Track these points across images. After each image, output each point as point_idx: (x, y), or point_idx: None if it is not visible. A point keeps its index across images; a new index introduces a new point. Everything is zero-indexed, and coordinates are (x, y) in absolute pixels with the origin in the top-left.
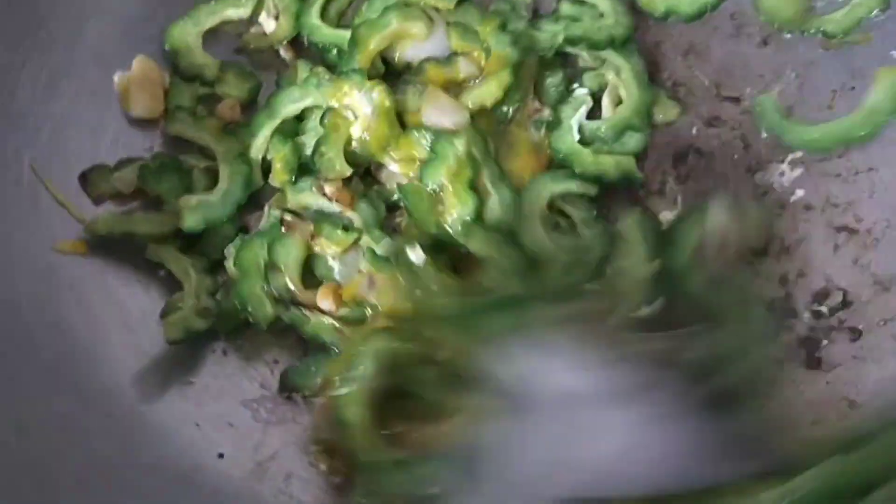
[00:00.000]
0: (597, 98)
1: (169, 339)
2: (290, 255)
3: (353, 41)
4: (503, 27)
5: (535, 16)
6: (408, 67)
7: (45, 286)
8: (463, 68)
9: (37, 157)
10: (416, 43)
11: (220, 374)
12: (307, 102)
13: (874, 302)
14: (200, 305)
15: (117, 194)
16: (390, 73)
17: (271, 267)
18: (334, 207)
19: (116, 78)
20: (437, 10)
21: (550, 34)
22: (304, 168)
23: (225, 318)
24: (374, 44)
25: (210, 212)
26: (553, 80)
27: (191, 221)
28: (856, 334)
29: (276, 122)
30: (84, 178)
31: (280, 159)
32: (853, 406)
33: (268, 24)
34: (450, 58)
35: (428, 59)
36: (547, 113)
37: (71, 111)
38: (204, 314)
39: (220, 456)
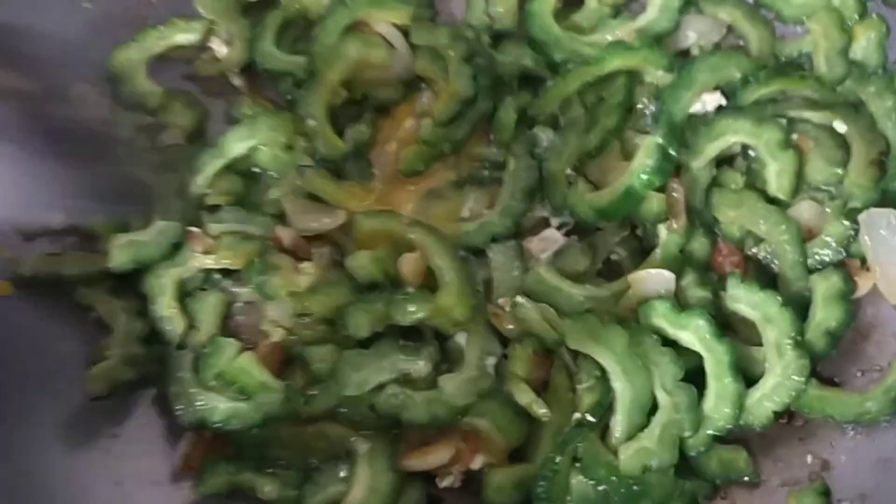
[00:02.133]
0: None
1: (91, 395)
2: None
3: (313, 75)
4: (467, 59)
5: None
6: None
7: None
8: (424, 102)
9: None
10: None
11: (147, 424)
12: (254, 142)
13: None
14: (129, 353)
15: (49, 230)
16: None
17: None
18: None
19: None
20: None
21: (513, 56)
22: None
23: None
24: (333, 75)
25: (141, 251)
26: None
27: (119, 260)
28: None
29: (221, 162)
30: None
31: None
32: None
33: (220, 49)
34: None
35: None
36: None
37: None
38: (132, 362)
39: None
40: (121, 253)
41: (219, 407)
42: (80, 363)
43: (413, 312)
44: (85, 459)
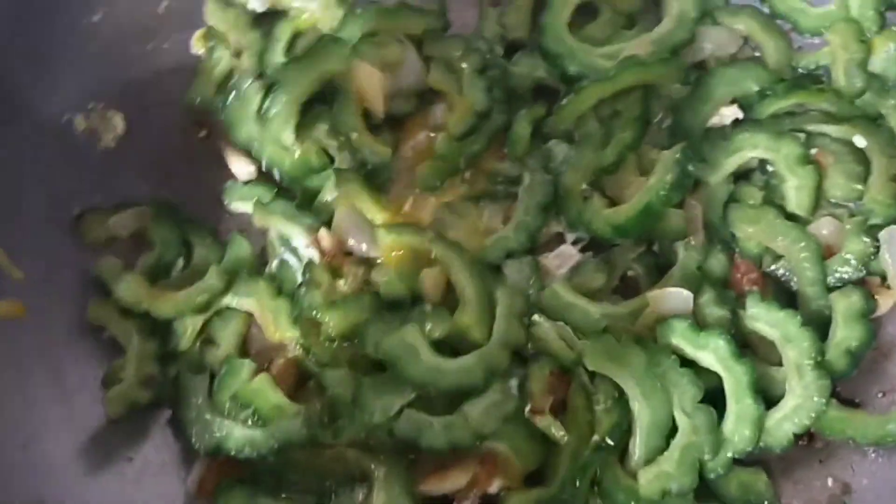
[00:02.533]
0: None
1: (111, 416)
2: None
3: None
4: (481, 71)
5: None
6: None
7: None
8: (437, 115)
9: None
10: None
11: (163, 446)
12: None
13: None
14: (143, 373)
15: (113, 239)
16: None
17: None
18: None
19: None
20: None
21: (527, 68)
22: None
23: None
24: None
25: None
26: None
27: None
28: None
29: None
30: (80, 220)
31: None
32: None
33: None
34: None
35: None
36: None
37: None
38: (148, 383)
39: None
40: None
41: (234, 434)
42: (94, 385)
43: (432, 331)
44: (99, 483)
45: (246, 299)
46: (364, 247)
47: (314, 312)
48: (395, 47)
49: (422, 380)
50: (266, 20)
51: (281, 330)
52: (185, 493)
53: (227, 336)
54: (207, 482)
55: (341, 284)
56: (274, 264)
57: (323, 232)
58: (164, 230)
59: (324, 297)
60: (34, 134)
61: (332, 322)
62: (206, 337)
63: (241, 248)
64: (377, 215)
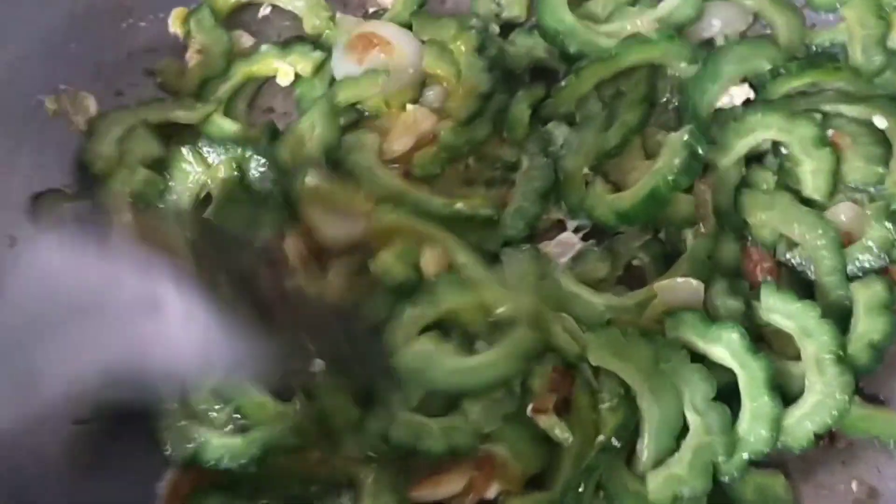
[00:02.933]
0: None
1: (75, 419)
2: None
3: None
4: (480, 50)
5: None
6: None
7: None
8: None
9: None
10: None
11: (132, 453)
12: None
13: None
14: None
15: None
16: None
17: None
18: None
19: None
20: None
21: (525, 48)
22: None
23: None
24: None
25: None
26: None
27: None
28: None
29: None
30: (36, 201)
31: None
32: None
33: None
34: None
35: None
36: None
37: None
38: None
39: None
40: None
41: (212, 442)
42: None
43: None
44: (68, 488)
45: None
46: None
47: None
48: None
49: (452, 385)
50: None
51: None
52: (157, 499)
53: None
54: (181, 488)
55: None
56: None
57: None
58: None
59: None
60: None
61: None
62: None
63: None
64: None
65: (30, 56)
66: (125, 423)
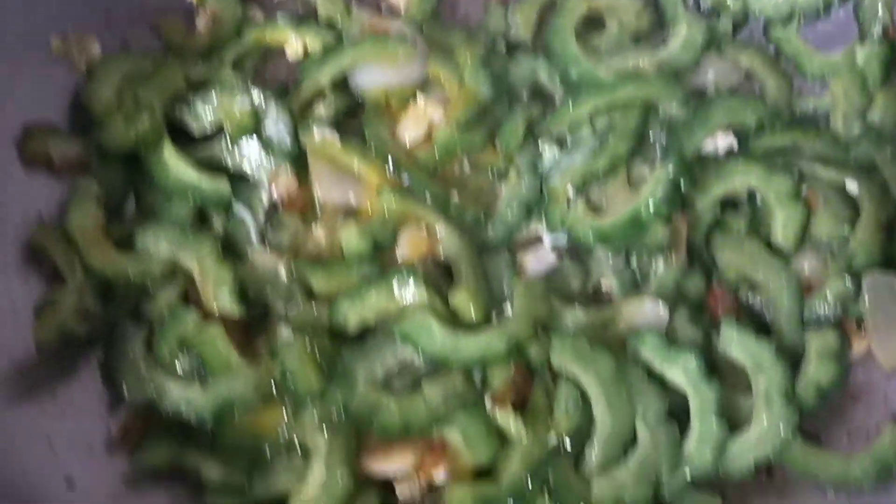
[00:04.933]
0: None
1: (38, 342)
2: None
3: None
4: (485, 63)
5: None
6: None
7: None
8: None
9: None
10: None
11: (88, 388)
12: None
13: None
14: (82, 305)
15: (50, 161)
16: None
17: None
18: None
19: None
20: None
21: (528, 69)
22: None
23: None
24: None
25: None
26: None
27: None
28: None
29: None
30: (25, 134)
31: None
32: None
33: None
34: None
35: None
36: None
37: None
38: (85, 316)
39: (69, 483)
40: None
41: (171, 391)
42: (25, 314)
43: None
44: (16, 411)
45: (187, 258)
46: (351, 197)
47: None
48: None
49: (441, 354)
50: None
51: (220, 301)
52: (107, 438)
53: (167, 291)
54: (132, 429)
55: (316, 232)
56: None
57: (283, 174)
58: (109, 171)
59: (291, 240)
60: (8, 44)
61: (317, 283)
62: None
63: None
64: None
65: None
66: (84, 357)
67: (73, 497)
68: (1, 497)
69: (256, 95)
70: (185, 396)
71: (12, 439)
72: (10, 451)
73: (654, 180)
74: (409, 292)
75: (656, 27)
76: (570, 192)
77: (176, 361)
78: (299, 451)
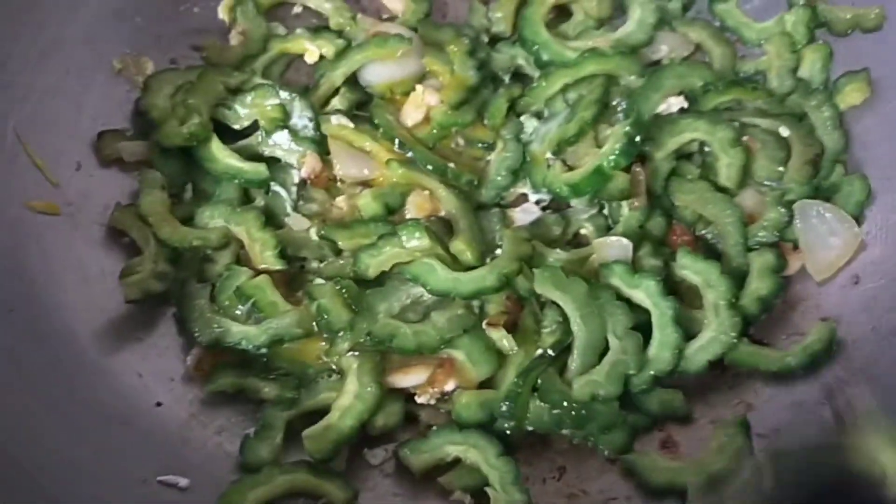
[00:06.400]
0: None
1: (127, 298)
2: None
3: None
4: (471, 53)
5: (494, 40)
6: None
7: (9, 236)
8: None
9: (20, 122)
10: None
11: (167, 334)
12: None
13: None
14: (158, 269)
15: (120, 160)
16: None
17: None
18: None
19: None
20: (415, 30)
21: (508, 56)
22: None
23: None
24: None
25: None
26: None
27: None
28: None
29: None
30: (100, 137)
31: None
32: None
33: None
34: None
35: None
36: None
37: (57, 85)
38: (161, 277)
39: (158, 405)
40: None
41: (231, 329)
42: (113, 276)
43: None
44: (112, 353)
45: (237, 228)
46: (365, 171)
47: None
48: None
49: (445, 289)
50: None
51: (266, 259)
52: (184, 371)
53: (223, 255)
54: (204, 363)
55: (339, 201)
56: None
57: (309, 157)
58: (169, 163)
59: (319, 209)
60: (78, 69)
61: (342, 241)
62: (204, 255)
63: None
64: (377, 149)
65: (104, 22)
66: (162, 310)
67: (160, 412)
68: (108, 416)
69: (284, 95)
70: (243, 334)
71: (113, 375)
72: (112, 384)
73: (613, 138)
74: (416, 243)
75: (617, 13)
76: (549, 155)
77: (234, 309)
78: (336, 371)
